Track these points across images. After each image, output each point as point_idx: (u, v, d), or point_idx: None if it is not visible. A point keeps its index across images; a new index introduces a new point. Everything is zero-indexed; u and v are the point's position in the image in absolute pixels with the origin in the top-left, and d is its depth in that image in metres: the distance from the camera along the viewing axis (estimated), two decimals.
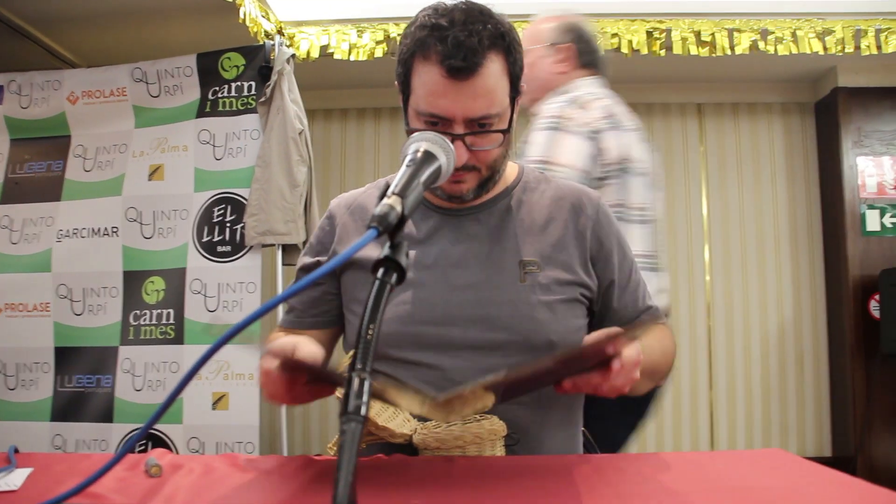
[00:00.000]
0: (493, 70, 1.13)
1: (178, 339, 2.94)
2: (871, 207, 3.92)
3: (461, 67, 1.09)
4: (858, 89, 3.99)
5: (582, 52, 2.03)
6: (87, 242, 3.09)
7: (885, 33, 3.46)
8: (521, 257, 1.22)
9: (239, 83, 3.09)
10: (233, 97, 3.09)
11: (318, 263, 1.32)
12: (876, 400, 3.80)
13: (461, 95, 1.11)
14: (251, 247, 2.96)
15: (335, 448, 1.42)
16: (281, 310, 1.54)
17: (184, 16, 3.38)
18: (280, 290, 3.00)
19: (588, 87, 1.98)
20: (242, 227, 2.96)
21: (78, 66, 3.76)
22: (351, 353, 1.20)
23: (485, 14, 1.14)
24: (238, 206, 3.00)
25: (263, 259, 3.00)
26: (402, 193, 0.79)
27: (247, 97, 3.08)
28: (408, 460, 1.01)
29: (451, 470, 0.92)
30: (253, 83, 3.08)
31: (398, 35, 3.44)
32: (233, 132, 3.06)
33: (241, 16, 3.02)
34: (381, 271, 0.69)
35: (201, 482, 0.88)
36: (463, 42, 1.09)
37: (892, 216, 3.90)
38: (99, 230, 3.09)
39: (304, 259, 1.37)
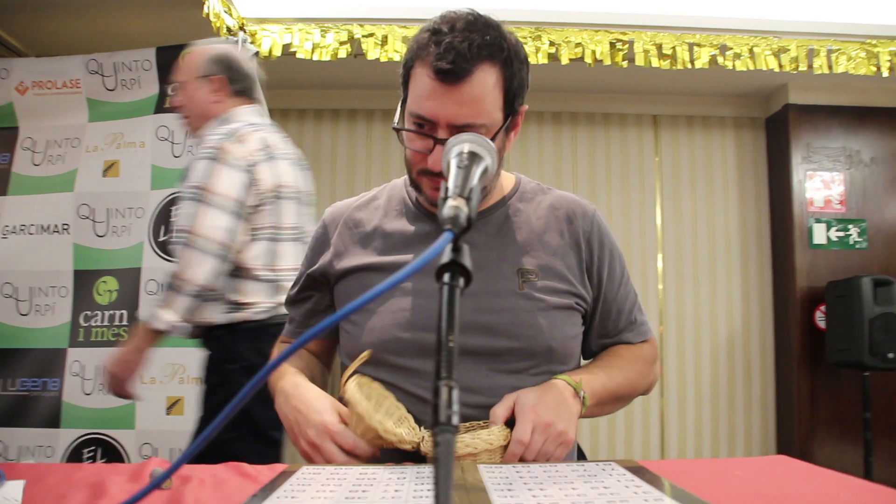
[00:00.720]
0: (484, 80, 1.12)
1: None
2: (818, 221, 4.04)
3: (448, 71, 1.09)
4: (808, 106, 4.11)
5: (233, 80, 2.19)
6: (34, 239, 2.97)
7: (836, 54, 3.57)
8: (519, 266, 1.23)
9: None
10: None
11: (315, 276, 1.33)
12: (820, 407, 3.92)
13: (447, 100, 1.11)
14: None
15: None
16: None
17: (141, 7, 3.27)
18: None
19: (246, 118, 2.15)
20: None
21: (25, 55, 3.60)
22: (352, 367, 1.19)
23: (489, 25, 1.15)
24: None
25: None
26: (465, 195, 0.75)
27: None
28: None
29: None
30: None
31: (363, 36, 3.41)
32: None
33: (206, 10, 2.94)
34: (447, 276, 0.64)
35: (215, 494, 0.84)
36: (455, 47, 1.09)
37: (837, 230, 4.03)
38: (48, 227, 2.97)
39: (299, 272, 1.39)
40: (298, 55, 3.38)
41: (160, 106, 3.01)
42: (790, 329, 4.02)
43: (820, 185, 4.07)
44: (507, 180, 1.35)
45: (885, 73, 3.55)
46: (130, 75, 3.04)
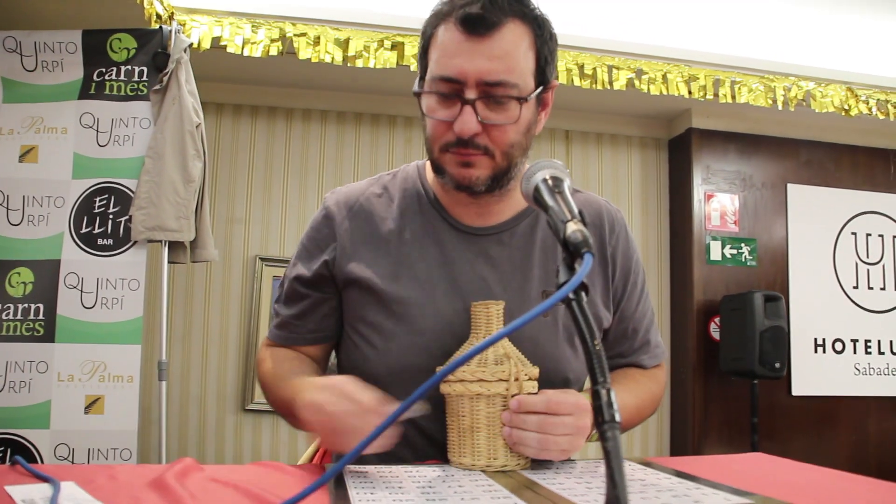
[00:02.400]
0: (514, 35, 1.05)
1: (49, 337, 2.70)
2: (715, 238, 4.33)
3: (478, 18, 1.02)
4: (709, 131, 4.40)
5: None
6: None
7: (739, 85, 3.86)
8: (544, 287, 1.17)
9: (129, 67, 2.90)
10: (121, 81, 2.90)
11: (317, 274, 1.21)
12: (712, 412, 4.20)
13: (475, 54, 1.03)
14: (136, 241, 2.78)
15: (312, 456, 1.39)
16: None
17: None
18: (165, 290, 2.85)
19: None
20: (128, 220, 2.78)
21: None
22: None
23: None
24: (123, 198, 2.81)
25: (149, 255, 2.84)
26: (577, 216, 0.79)
27: (137, 83, 2.90)
28: None
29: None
30: (145, 69, 2.90)
31: (294, 35, 3.39)
32: (120, 118, 2.87)
33: None
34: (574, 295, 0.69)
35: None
36: (480, 3, 1.03)
37: (731, 247, 4.34)
38: None
39: (297, 269, 1.25)
40: (229, 49, 3.32)
41: (85, 92, 2.88)
42: (687, 339, 4.28)
43: (717, 205, 4.37)
44: None
45: (780, 106, 3.87)
46: (52, 57, 2.89)
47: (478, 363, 1.00)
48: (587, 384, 1.24)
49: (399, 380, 1.12)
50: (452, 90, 1.05)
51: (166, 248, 2.82)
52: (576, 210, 0.81)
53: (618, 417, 0.59)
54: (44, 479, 0.85)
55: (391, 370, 1.15)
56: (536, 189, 0.89)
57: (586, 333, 0.66)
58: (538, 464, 1.01)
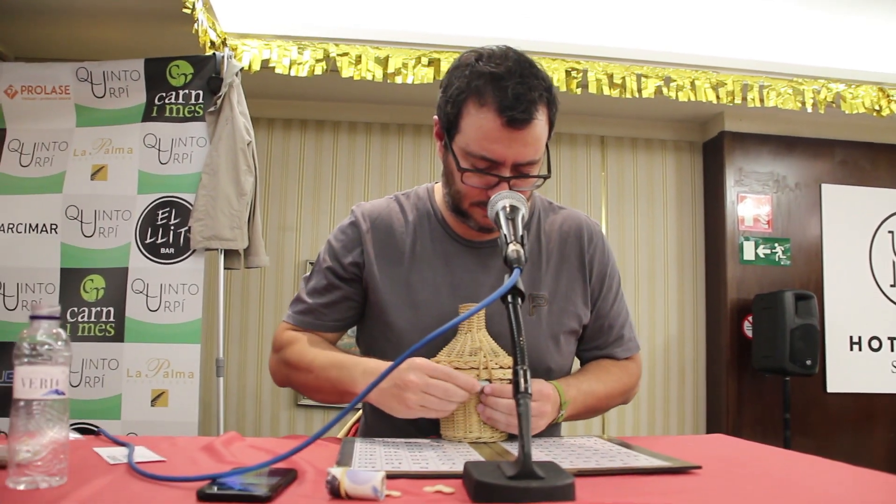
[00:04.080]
0: (542, 120, 1.24)
1: (119, 337, 3.00)
2: (748, 239, 4.43)
3: (522, 119, 1.19)
4: (741, 134, 4.50)
5: None
6: (23, 238, 3.10)
7: (767, 89, 3.96)
8: (530, 290, 1.37)
9: (186, 91, 3.19)
10: (180, 104, 3.18)
11: (349, 271, 1.40)
12: (746, 409, 4.31)
13: (514, 143, 1.21)
14: (195, 250, 3.06)
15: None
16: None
17: (128, 19, 3.44)
18: (222, 294, 3.12)
19: None
20: (187, 231, 3.06)
21: (7, 58, 3.72)
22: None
23: (534, 67, 1.26)
24: (182, 210, 3.09)
25: (206, 263, 3.11)
26: (519, 240, 1.02)
27: (194, 105, 3.18)
28: None
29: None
30: (201, 92, 3.18)
31: (337, 55, 3.63)
32: (179, 138, 3.15)
33: (196, 27, 3.13)
34: (510, 298, 0.92)
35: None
36: (522, 95, 1.19)
37: (764, 248, 4.43)
38: (37, 226, 3.11)
39: (329, 263, 1.43)
40: (277, 70, 3.59)
41: (147, 115, 3.17)
42: (720, 337, 4.39)
43: (750, 206, 4.47)
44: None
45: (809, 108, 3.95)
46: (119, 84, 3.20)
47: (457, 354, 1.23)
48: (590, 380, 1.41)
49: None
50: (490, 167, 1.25)
51: (222, 256, 3.09)
52: (520, 234, 1.06)
53: (529, 390, 0.79)
54: (121, 444, 1.09)
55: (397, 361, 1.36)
56: (497, 214, 1.14)
57: (514, 329, 0.87)
58: (512, 437, 1.21)
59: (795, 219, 4.50)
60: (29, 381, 0.83)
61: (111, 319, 3.03)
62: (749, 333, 4.29)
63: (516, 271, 0.94)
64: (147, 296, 3.03)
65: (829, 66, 3.98)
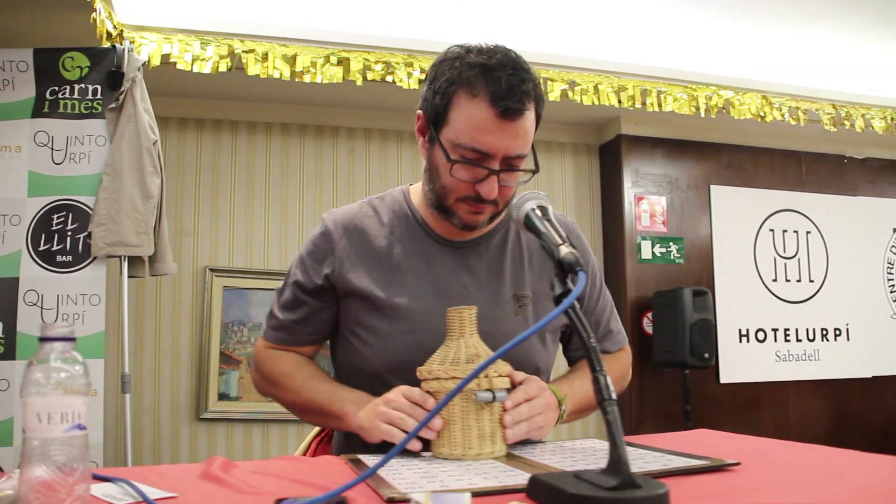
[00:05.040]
0: (531, 114, 1.24)
1: (10, 355, 2.73)
2: (645, 238, 4.59)
3: (515, 110, 1.18)
4: (637, 137, 4.66)
5: None
6: None
7: (665, 95, 4.13)
8: (515, 290, 1.35)
9: (82, 85, 2.95)
10: (75, 99, 2.94)
11: (318, 284, 1.35)
12: (648, 403, 4.46)
13: (506, 134, 1.19)
14: (95, 257, 2.83)
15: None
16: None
17: (15, 6, 3.13)
18: (126, 304, 2.91)
19: None
20: (87, 237, 2.82)
21: None
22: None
23: (523, 61, 1.25)
24: (80, 215, 2.85)
25: (108, 271, 2.89)
26: (566, 241, 0.96)
27: (91, 101, 2.94)
28: None
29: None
30: (99, 87, 2.95)
31: (243, 51, 3.48)
32: (75, 136, 2.91)
33: (94, 16, 2.90)
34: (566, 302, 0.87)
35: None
36: (516, 86, 1.18)
37: (660, 246, 4.61)
38: None
39: (299, 278, 1.38)
40: (178, 66, 3.38)
41: (38, 110, 2.91)
42: None
43: (646, 206, 4.64)
44: None
45: (703, 114, 4.15)
46: (3, 76, 2.91)
47: (451, 362, 1.13)
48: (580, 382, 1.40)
49: (394, 373, 1.29)
50: (480, 160, 1.22)
51: (126, 264, 2.88)
52: (564, 235, 0.98)
53: (614, 396, 0.75)
54: (106, 480, 0.96)
55: (387, 366, 1.31)
56: (528, 217, 1.06)
57: (584, 333, 0.83)
58: (512, 448, 1.17)
59: (688, 218, 4.71)
60: (47, 415, 0.71)
61: (1, 335, 2.75)
62: (649, 330, 4.44)
63: (581, 275, 0.89)
64: (42, 308, 2.78)
65: (719, 73, 4.20)
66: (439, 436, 1.11)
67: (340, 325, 1.41)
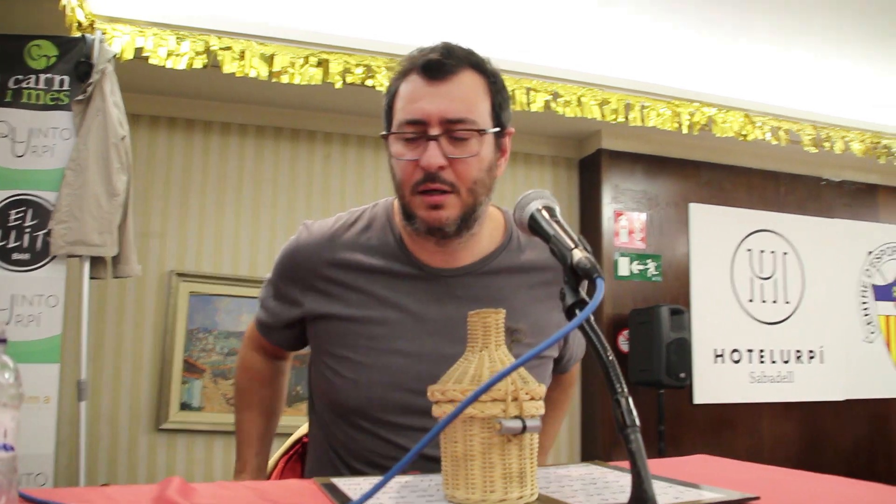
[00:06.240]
0: (471, 82, 1.16)
1: None
2: (623, 255, 4.54)
3: (437, 64, 1.13)
4: (617, 152, 4.61)
5: None
6: None
7: (648, 109, 4.08)
8: (509, 324, 1.15)
9: (49, 75, 2.81)
10: (41, 90, 2.80)
11: (288, 302, 1.30)
12: None
13: (437, 97, 1.13)
14: (55, 256, 2.68)
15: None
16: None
17: None
18: (86, 307, 2.76)
19: None
20: (46, 234, 2.68)
21: None
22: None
23: (467, 48, 1.20)
24: (41, 211, 2.71)
25: (68, 271, 2.74)
26: (579, 244, 0.85)
27: (58, 92, 2.80)
28: None
29: None
30: (66, 77, 2.81)
31: (220, 48, 3.36)
32: (38, 128, 2.76)
33: (63, 3, 2.77)
34: (578, 311, 0.76)
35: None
36: (439, 49, 1.16)
37: (638, 264, 4.56)
38: None
39: (270, 291, 1.35)
40: (151, 60, 3.25)
41: (0, 99, 2.76)
42: None
43: (625, 222, 4.58)
44: (496, 227, 1.31)
45: (685, 130, 4.12)
46: None
47: (471, 380, 0.91)
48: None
49: (367, 411, 1.21)
50: (418, 132, 1.14)
51: (88, 264, 2.74)
52: (576, 237, 0.87)
53: (637, 422, 0.66)
54: None
55: (359, 401, 1.22)
56: (532, 218, 0.94)
57: (600, 349, 0.73)
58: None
59: (666, 236, 4.66)
60: None
61: None
62: (625, 348, 4.38)
63: (600, 283, 0.78)
64: None
65: (703, 90, 4.17)
66: (453, 473, 0.89)
67: (315, 348, 1.32)
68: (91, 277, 2.77)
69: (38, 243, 2.68)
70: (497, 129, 1.20)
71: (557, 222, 0.92)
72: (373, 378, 1.20)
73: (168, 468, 3.74)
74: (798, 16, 3.52)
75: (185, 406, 3.77)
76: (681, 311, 4.17)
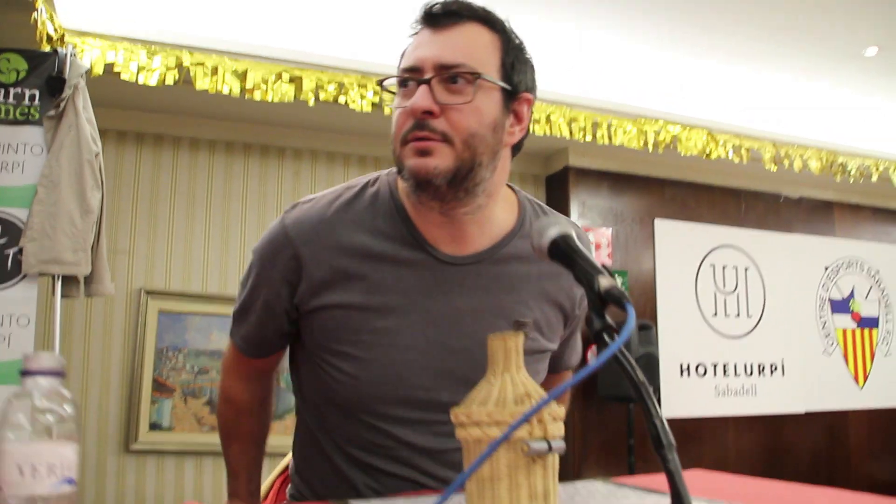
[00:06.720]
0: (475, 32, 1.11)
1: None
2: None
3: (439, 14, 1.09)
4: (584, 169, 4.68)
5: None
6: None
7: (615, 127, 4.16)
8: (515, 317, 1.14)
9: (19, 89, 2.75)
10: (10, 104, 2.74)
11: (275, 298, 1.18)
12: (591, 437, 4.43)
13: (434, 43, 1.09)
14: (26, 275, 2.62)
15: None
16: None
17: None
18: (58, 326, 2.70)
19: None
20: (17, 253, 2.61)
21: None
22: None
23: (481, 5, 1.14)
24: (11, 228, 2.64)
25: (39, 290, 2.68)
26: (604, 271, 0.85)
27: (28, 107, 2.75)
28: None
29: None
30: (37, 92, 2.75)
31: (192, 64, 3.33)
32: (8, 144, 2.70)
33: (35, 16, 2.72)
34: (608, 339, 0.78)
35: None
36: (448, 3, 1.11)
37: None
38: None
39: (252, 285, 1.22)
40: (123, 76, 3.21)
41: None
42: None
43: (592, 238, 4.65)
44: (508, 207, 1.23)
45: (651, 149, 4.20)
46: None
47: (496, 403, 0.90)
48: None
49: (370, 408, 1.16)
50: (412, 78, 1.08)
51: (59, 282, 2.68)
52: (599, 265, 0.86)
53: (673, 442, 0.67)
54: None
55: (362, 399, 1.16)
56: (555, 244, 0.92)
57: (634, 377, 0.75)
58: None
59: (632, 252, 4.74)
60: (31, 467, 0.58)
61: None
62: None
63: (630, 309, 0.78)
64: None
65: (667, 109, 4.26)
66: (479, 496, 0.88)
67: (306, 345, 1.22)
68: (63, 296, 2.71)
69: (9, 262, 2.62)
70: (505, 86, 1.11)
71: (578, 250, 0.90)
72: (375, 375, 1.14)
73: (137, 491, 3.66)
74: (760, 38, 3.64)
75: (154, 426, 3.70)
76: (648, 327, 4.24)
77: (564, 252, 0.90)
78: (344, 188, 1.21)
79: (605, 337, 0.80)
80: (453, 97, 1.06)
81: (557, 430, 0.89)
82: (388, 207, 1.17)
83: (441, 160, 1.06)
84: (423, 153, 1.06)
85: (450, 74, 1.06)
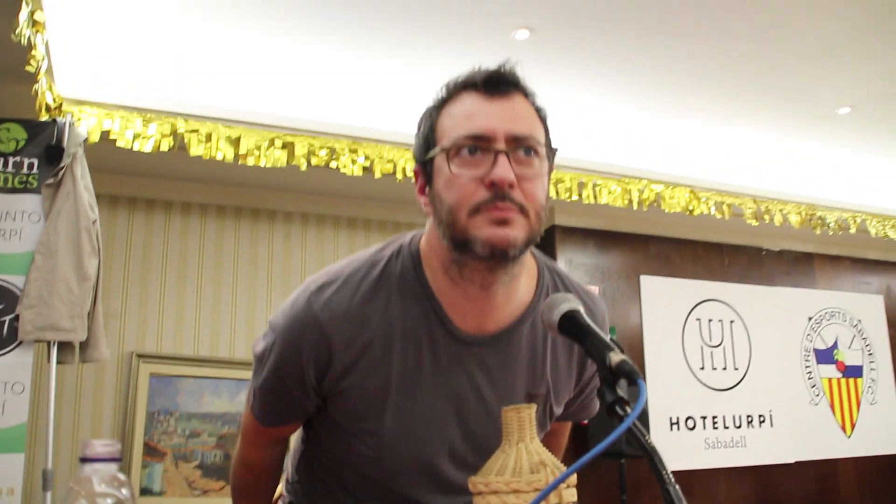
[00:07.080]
0: (526, 103, 1.10)
1: None
2: None
3: (499, 82, 1.08)
4: (571, 228, 4.77)
5: None
6: None
7: (600, 187, 4.26)
8: (528, 389, 1.20)
9: (18, 158, 2.80)
10: (9, 173, 2.78)
11: (300, 380, 1.16)
12: (585, 493, 4.34)
13: (502, 111, 1.06)
14: (21, 342, 2.63)
15: None
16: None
17: None
18: (52, 392, 2.70)
19: None
20: (13, 320, 2.63)
21: None
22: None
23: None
24: (7, 295, 2.66)
25: (35, 357, 2.69)
26: (615, 347, 0.89)
27: (27, 175, 2.79)
28: None
29: None
30: (36, 161, 2.80)
31: (186, 131, 3.40)
32: (6, 212, 2.73)
33: (35, 87, 2.79)
34: (620, 410, 0.83)
35: None
36: (497, 71, 1.09)
37: None
38: None
39: (275, 365, 1.17)
40: (118, 143, 3.27)
41: None
42: None
43: None
44: (529, 274, 1.20)
45: (635, 207, 4.30)
46: None
47: (512, 472, 0.95)
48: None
49: (391, 479, 1.19)
50: (482, 144, 1.04)
51: (55, 349, 2.69)
52: (608, 340, 0.92)
53: None
54: None
55: (384, 471, 1.19)
56: (566, 318, 0.96)
57: (649, 450, 0.79)
58: None
59: (619, 308, 4.80)
60: None
61: None
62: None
63: (642, 385, 0.83)
64: None
65: (650, 168, 4.38)
66: None
67: (329, 412, 1.22)
68: (58, 362, 2.72)
69: (5, 329, 2.63)
70: (552, 157, 1.14)
71: (588, 326, 0.94)
72: (397, 449, 1.17)
73: None
74: (739, 98, 3.77)
75: (145, 491, 3.66)
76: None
77: (573, 329, 0.95)
78: (368, 265, 1.18)
79: (618, 410, 0.85)
80: (525, 169, 1.04)
81: (571, 496, 0.95)
82: (413, 285, 1.16)
83: (519, 231, 1.03)
84: (503, 223, 1.02)
85: (524, 146, 1.05)
